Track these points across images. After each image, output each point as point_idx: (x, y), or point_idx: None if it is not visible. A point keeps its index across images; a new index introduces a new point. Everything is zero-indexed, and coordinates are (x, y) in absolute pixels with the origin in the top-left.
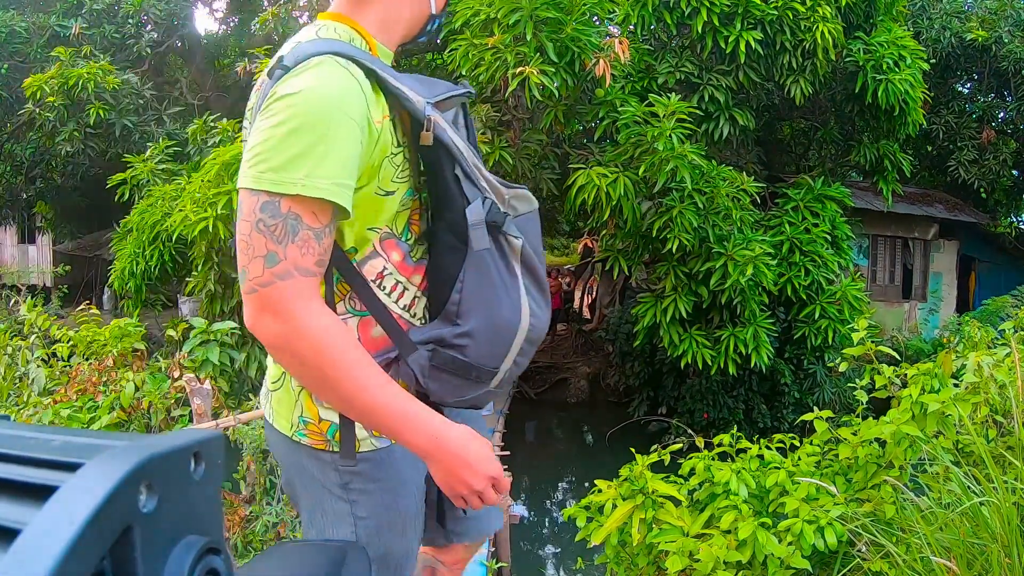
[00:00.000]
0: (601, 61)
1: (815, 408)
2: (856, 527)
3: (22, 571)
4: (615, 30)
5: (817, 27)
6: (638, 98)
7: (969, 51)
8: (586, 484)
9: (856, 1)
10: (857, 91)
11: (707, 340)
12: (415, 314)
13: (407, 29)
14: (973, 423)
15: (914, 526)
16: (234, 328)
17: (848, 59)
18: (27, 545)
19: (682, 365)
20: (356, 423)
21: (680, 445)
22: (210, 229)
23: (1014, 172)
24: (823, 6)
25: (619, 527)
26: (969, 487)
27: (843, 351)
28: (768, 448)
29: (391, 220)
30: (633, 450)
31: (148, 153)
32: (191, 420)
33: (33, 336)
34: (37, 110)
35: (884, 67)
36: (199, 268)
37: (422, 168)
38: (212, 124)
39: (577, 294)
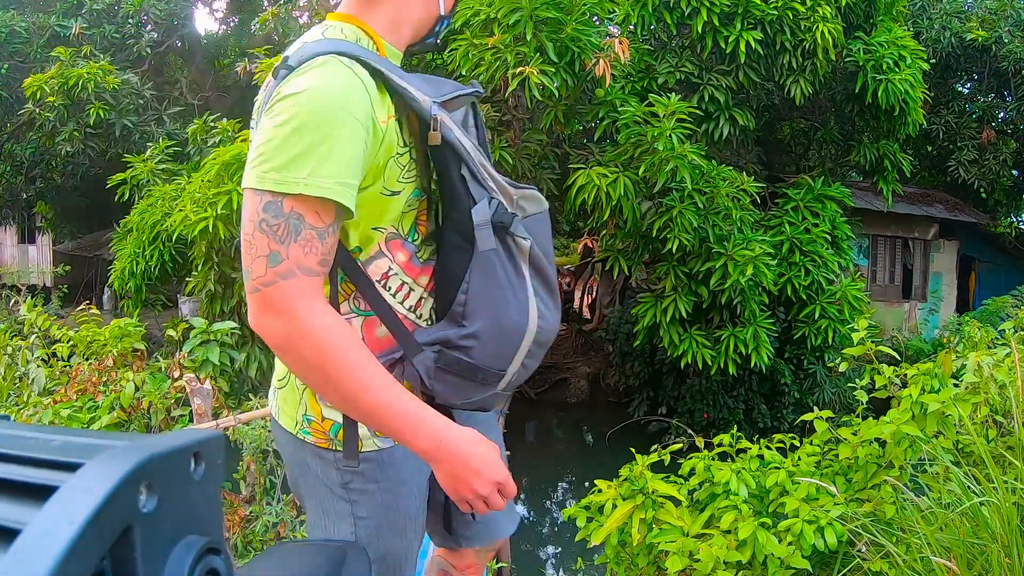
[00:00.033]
0: (601, 61)
1: (815, 408)
2: (856, 527)
3: (22, 571)
4: (615, 30)
5: (817, 27)
6: (638, 98)
7: (969, 51)
8: (586, 484)
9: (856, 1)
10: (857, 91)
11: (707, 340)
12: (421, 315)
13: (416, 30)
14: (973, 423)
15: (914, 526)
16: (234, 328)
17: (848, 59)
18: (27, 545)
19: (682, 365)
20: (359, 423)
21: (680, 445)
22: (210, 229)
23: (1014, 172)
24: (823, 6)
25: (619, 527)
26: (969, 487)
27: (843, 351)
28: (768, 448)
29: (397, 220)
30: (633, 450)
31: (148, 153)
32: (191, 420)
33: (33, 336)
34: (37, 110)
35: (884, 67)
36: (199, 268)
37: (431, 168)
38: (212, 124)
39: (577, 294)
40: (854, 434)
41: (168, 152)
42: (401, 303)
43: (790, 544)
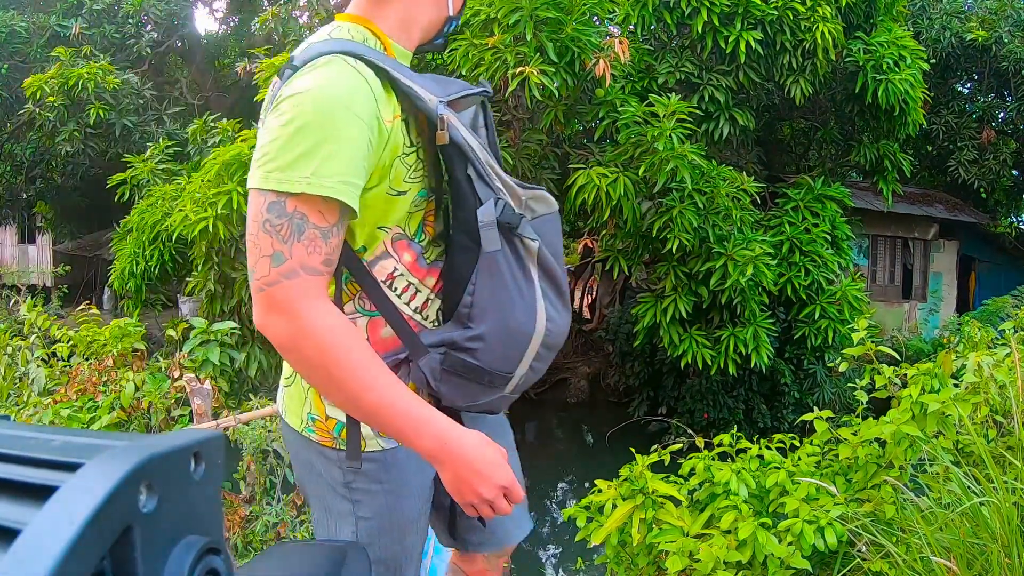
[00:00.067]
0: (601, 61)
1: (815, 408)
2: (856, 527)
3: (22, 571)
4: (615, 30)
5: (817, 27)
6: (638, 98)
7: (969, 51)
8: (586, 484)
9: (856, 1)
10: (857, 91)
11: (707, 340)
12: (427, 316)
13: (425, 31)
14: (973, 423)
15: (914, 526)
16: (234, 328)
17: (848, 59)
18: (27, 545)
19: (682, 365)
20: (362, 423)
21: (680, 445)
22: (210, 229)
23: (1014, 172)
24: (823, 6)
25: (619, 527)
26: (969, 487)
27: (843, 351)
28: (768, 448)
29: (403, 220)
30: (633, 450)
31: (148, 153)
32: (191, 420)
33: (33, 336)
34: (37, 110)
35: (884, 67)
36: (199, 268)
37: (440, 168)
38: (212, 124)
39: (577, 294)
40: (854, 434)
41: (168, 152)
42: (407, 304)
43: (790, 544)
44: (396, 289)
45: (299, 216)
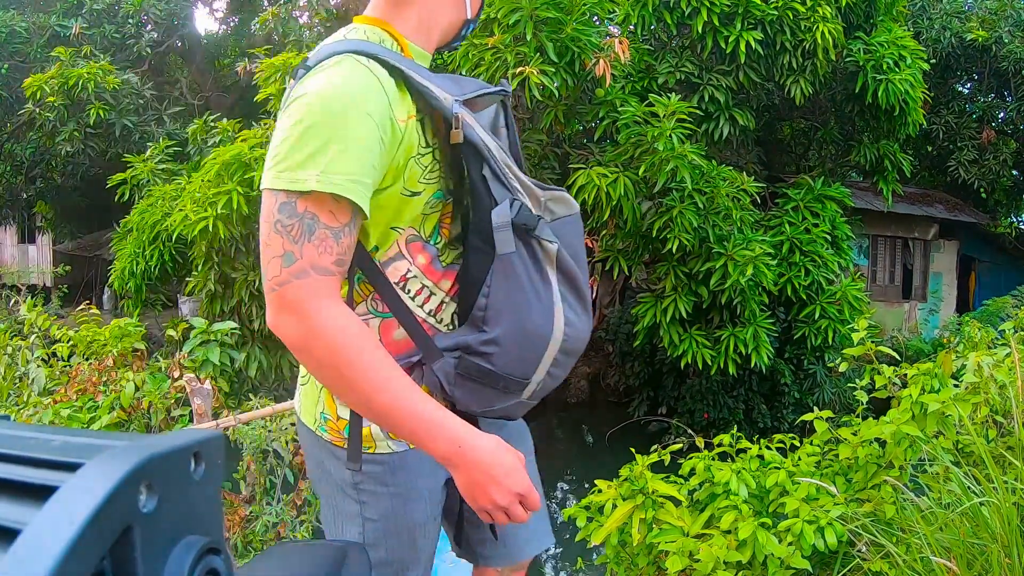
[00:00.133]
0: (601, 61)
1: (815, 408)
2: (856, 527)
3: (22, 571)
4: (615, 30)
5: (817, 27)
6: (638, 98)
7: (969, 51)
8: (586, 484)
9: (856, 1)
10: (857, 91)
11: (707, 340)
12: (442, 320)
13: (444, 32)
14: (973, 423)
15: (914, 526)
16: (234, 328)
17: (848, 59)
18: (27, 545)
19: (682, 365)
20: (365, 426)
21: (680, 445)
22: (210, 229)
23: (1014, 172)
24: (823, 6)
25: (619, 527)
26: (969, 487)
27: (843, 351)
28: (768, 448)
29: (417, 221)
30: (633, 450)
31: (148, 153)
32: (191, 420)
33: (33, 336)
34: (37, 110)
35: (884, 67)
36: (199, 268)
37: (460, 169)
38: (212, 124)
39: None
40: (854, 434)
41: (168, 152)
42: (421, 306)
43: (790, 544)
44: (409, 291)
45: (310, 216)
